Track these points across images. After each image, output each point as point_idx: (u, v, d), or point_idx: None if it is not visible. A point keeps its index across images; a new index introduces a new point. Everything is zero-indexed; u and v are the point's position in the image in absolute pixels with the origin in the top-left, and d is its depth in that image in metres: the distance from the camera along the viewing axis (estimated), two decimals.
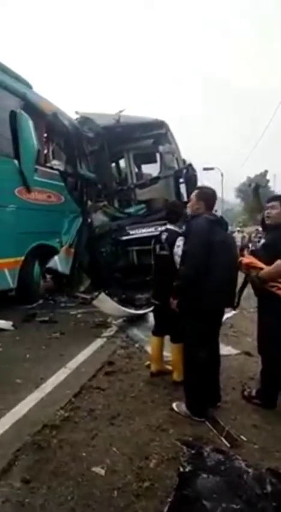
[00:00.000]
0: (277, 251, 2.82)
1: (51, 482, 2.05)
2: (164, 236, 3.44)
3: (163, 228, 3.61)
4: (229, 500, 2.01)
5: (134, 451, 2.35)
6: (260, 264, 2.91)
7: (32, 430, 2.49)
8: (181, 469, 2.23)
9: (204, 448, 2.42)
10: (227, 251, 2.81)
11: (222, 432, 2.60)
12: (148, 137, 8.69)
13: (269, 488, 2.06)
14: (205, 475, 2.22)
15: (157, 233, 6.92)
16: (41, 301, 6.70)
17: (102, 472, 2.15)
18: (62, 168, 7.38)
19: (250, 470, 2.25)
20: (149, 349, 4.22)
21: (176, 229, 3.45)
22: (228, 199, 57.11)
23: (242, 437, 2.57)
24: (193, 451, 2.38)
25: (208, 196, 3.03)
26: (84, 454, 2.30)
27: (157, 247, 3.50)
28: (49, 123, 7.01)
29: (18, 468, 2.14)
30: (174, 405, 2.93)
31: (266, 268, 2.86)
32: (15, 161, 5.89)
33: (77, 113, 8.25)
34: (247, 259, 3.03)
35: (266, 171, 14.52)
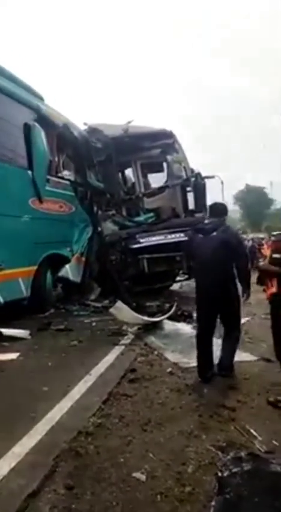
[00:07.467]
0: None
1: (94, 488, 2.07)
2: None
3: None
4: (270, 504, 2.04)
5: (170, 457, 2.37)
6: None
7: (67, 437, 2.51)
8: (220, 474, 2.25)
9: (240, 453, 2.45)
10: (200, 253, 3.63)
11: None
12: (155, 147, 8.82)
13: None
14: (243, 480, 2.25)
15: (167, 241, 7.38)
16: (52, 310, 6.72)
17: (143, 477, 2.17)
18: (72, 178, 7.48)
19: None
20: (169, 356, 4.25)
21: None
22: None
23: (274, 442, 2.59)
24: (229, 457, 2.41)
25: (210, 208, 4.05)
26: (122, 459, 2.33)
27: None
28: (60, 134, 7.13)
29: (60, 475, 2.16)
30: None
31: None
32: (29, 172, 5.97)
33: (85, 124, 8.38)
34: None
35: None
